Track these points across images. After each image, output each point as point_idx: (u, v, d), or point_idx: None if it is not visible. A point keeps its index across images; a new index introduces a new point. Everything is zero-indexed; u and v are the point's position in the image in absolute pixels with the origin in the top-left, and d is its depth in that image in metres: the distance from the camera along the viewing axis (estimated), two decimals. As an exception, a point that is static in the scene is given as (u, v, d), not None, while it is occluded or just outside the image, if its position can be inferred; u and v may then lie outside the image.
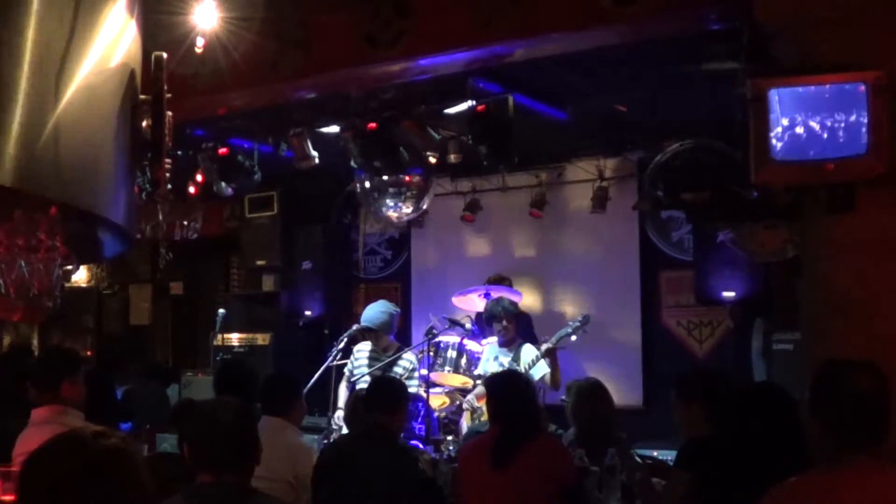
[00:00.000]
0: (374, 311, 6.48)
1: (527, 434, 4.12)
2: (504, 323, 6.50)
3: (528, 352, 6.47)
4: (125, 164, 3.34)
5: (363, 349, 6.55)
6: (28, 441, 3.87)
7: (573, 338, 6.50)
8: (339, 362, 6.63)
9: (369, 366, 6.41)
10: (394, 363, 6.38)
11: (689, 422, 3.97)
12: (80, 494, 1.71)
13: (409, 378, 6.27)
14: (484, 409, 6.22)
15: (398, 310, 6.67)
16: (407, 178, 7.26)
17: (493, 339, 6.71)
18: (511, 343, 6.56)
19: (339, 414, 6.26)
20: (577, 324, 6.46)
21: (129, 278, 10.49)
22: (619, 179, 7.86)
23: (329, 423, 6.35)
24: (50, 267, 3.37)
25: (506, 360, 6.47)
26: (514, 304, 6.65)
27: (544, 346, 6.41)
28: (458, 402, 6.78)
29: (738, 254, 6.64)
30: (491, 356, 6.59)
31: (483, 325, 6.98)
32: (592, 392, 4.91)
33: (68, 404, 4.06)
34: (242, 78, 5.52)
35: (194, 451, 2.79)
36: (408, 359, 6.43)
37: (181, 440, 3.73)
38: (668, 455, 5.36)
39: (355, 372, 6.47)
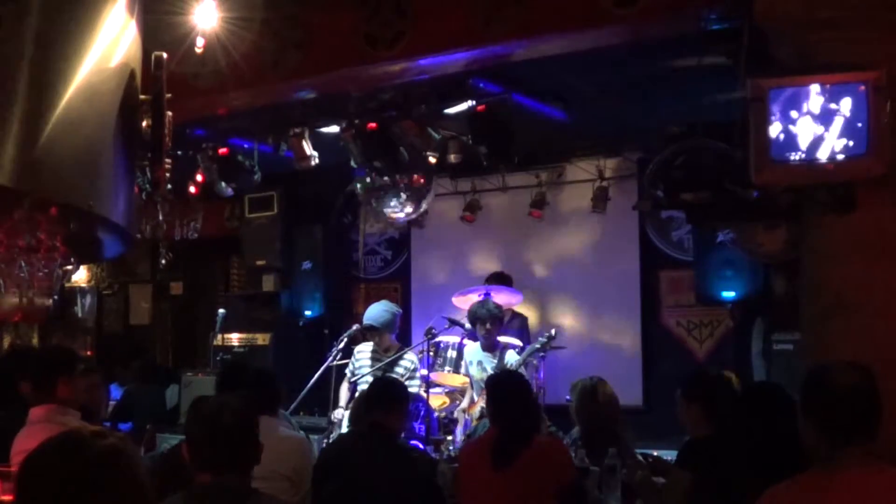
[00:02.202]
0: (378, 310, 6.49)
1: (527, 434, 4.12)
2: (487, 326, 6.45)
3: (510, 359, 6.44)
4: (125, 164, 3.35)
5: (364, 350, 6.54)
6: (25, 440, 3.86)
7: (541, 353, 6.47)
8: (340, 362, 6.63)
9: (371, 366, 6.41)
10: (395, 363, 6.37)
11: (691, 421, 4.00)
12: (78, 495, 1.71)
13: (411, 378, 6.26)
14: (474, 416, 6.24)
15: (400, 310, 6.67)
16: (406, 178, 7.26)
17: (477, 343, 6.67)
18: (493, 348, 6.52)
19: (339, 412, 6.28)
20: (545, 339, 6.39)
21: (129, 278, 10.48)
22: (619, 179, 7.86)
23: (329, 423, 6.35)
24: (50, 267, 3.37)
25: (489, 365, 6.43)
26: (499, 308, 6.57)
27: (518, 361, 6.37)
28: (457, 402, 6.77)
29: (738, 254, 6.64)
30: (474, 359, 6.56)
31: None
32: (594, 391, 4.92)
33: (65, 403, 4.05)
34: (242, 78, 5.52)
35: (194, 451, 2.78)
36: (409, 359, 6.43)
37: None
38: (668, 455, 5.37)
39: (357, 372, 6.47)
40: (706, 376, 4.36)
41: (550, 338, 6.40)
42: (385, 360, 6.36)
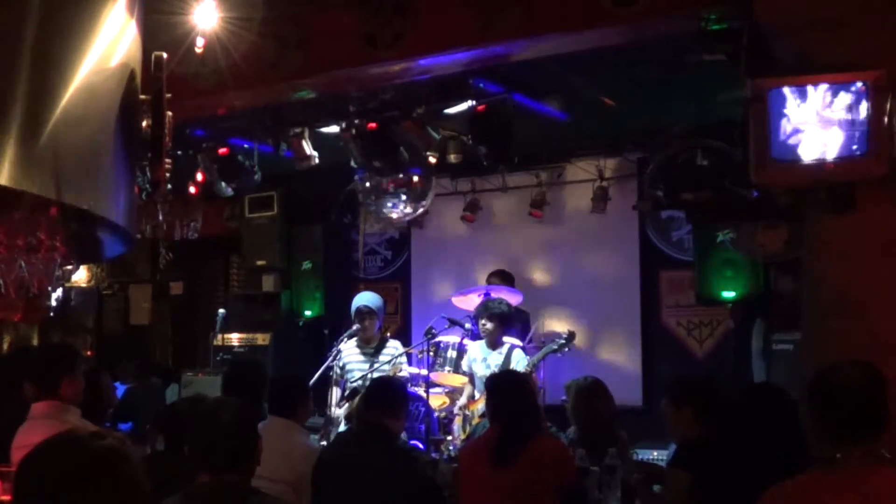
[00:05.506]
0: (371, 295, 6.64)
1: (527, 434, 4.12)
2: (488, 325, 6.46)
3: (518, 360, 6.44)
4: (125, 165, 3.34)
5: (347, 347, 6.57)
6: (27, 434, 3.86)
7: (558, 355, 6.48)
8: (339, 362, 6.65)
9: (360, 360, 6.47)
10: (380, 352, 6.46)
11: (680, 425, 3.97)
12: (75, 495, 1.71)
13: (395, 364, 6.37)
14: (475, 413, 6.24)
15: None
16: (407, 178, 7.26)
17: (482, 340, 6.68)
18: (497, 345, 6.52)
19: (336, 411, 6.30)
20: (563, 341, 6.41)
21: (129, 278, 10.48)
22: (619, 179, 7.86)
23: (327, 422, 6.35)
24: (50, 267, 3.37)
25: (494, 363, 6.43)
26: (505, 306, 6.58)
27: (530, 361, 6.37)
28: (458, 402, 6.77)
29: (738, 254, 6.64)
30: (479, 356, 6.55)
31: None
32: (590, 391, 4.92)
33: (67, 401, 4.05)
34: (242, 78, 5.52)
35: (194, 452, 2.78)
36: (393, 346, 6.57)
37: (168, 443, 3.74)
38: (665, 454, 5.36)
39: (346, 369, 6.49)
40: (692, 380, 4.36)
41: (569, 339, 6.41)
42: (370, 352, 6.46)
